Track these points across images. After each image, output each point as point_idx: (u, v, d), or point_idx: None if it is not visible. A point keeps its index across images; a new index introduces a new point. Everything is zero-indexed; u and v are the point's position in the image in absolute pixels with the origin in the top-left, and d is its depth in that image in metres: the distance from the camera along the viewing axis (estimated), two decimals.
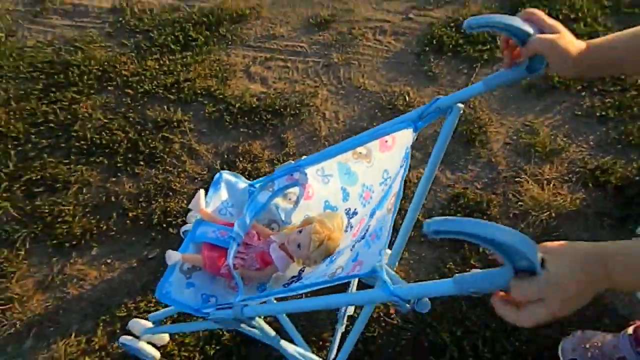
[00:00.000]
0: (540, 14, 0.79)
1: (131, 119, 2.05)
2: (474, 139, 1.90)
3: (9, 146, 1.98)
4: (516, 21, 0.77)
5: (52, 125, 2.04)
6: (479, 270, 0.62)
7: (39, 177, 1.88)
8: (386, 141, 1.14)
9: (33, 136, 2.01)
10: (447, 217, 0.62)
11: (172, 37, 2.36)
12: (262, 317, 1.07)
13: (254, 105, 2.06)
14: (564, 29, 0.77)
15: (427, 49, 2.24)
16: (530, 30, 0.77)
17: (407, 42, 2.30)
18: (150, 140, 1.96)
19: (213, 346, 1.48)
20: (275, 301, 1.16)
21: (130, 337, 1.42)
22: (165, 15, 2.51)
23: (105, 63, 2.26)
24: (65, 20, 2.54)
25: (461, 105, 0.96)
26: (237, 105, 2.06)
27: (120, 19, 2.50)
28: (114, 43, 2.40)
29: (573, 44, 0.76)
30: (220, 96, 2.11)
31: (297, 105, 2.05)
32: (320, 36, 2.35)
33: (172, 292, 1.11)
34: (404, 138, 1.09)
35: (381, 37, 2.33)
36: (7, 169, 1.91)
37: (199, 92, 2.12)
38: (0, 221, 1.78)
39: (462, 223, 0.56)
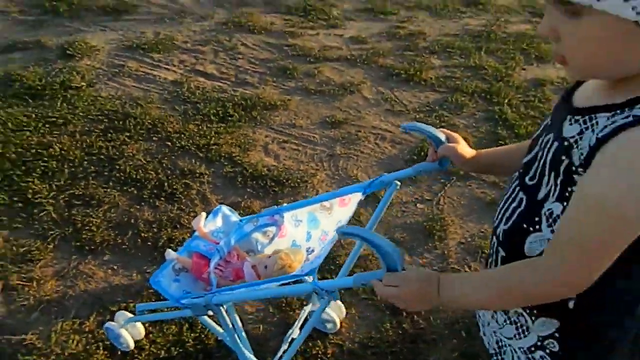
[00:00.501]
0: (449, 132, 1.19)
1: (164, 164, 2.54)
2: (434, 234, 2.26)
3: (64, 166, 2.48)
4: (435, 131, 1.17)
5: (102, 157, 2.55)
6: (366, 272, 0.98)
7: (80, 193, 2.34)
8: (344, 200, 1.54)
9: (85, 162, 2.51)
10: (356, 226, 0.98)
11: (214, 110, 2.92)
12: (224, 306, 1.40)
13: (263, 174, 2.51)
14: (462, 140, 1.17)
15: (415, 157, 2.69)
16: (442, 138, 1.17)
17: (400, 150, 2.76)
18: (174, 183, 2.42)
19: (178, 348, 1.79)
20: None
21: (114, 323, 1.76)
22: (213, 94, 3.09)
23: (157, 119, 2.81)
24: (135, 83, 3.17)
25: (398, 183, 1.36)
26: (250, 171, 2.52)
27: (178, 89, 3.11)
28: (168, 106, 2.97)
29: (467, 151, 1.14)
30: (239, 161, 2.58)
31: (298, 180, 2.50)
32: (331, 132, 2.85)
33: (162, 282, 1.47)
34: (356, 198, 1.49)
35: (380, 142, 2.81)
36: (58, 183, 2.39)
37: (223, 155, 2.61)
38: (42, 220, 2.22)
39: (361, 230, 0.94)
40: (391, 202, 1.48)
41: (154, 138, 2.70)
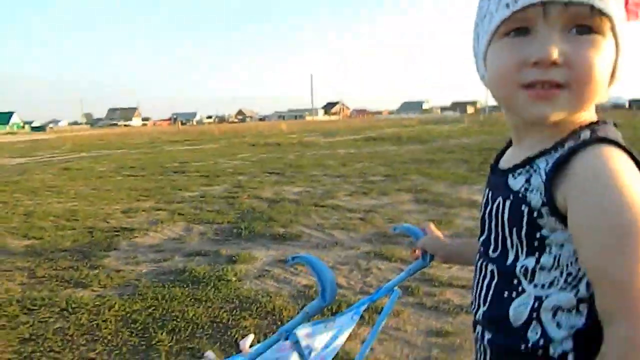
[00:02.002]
0: (431, 225, 1.31)
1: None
2: None
3: (188, 326, 2.88)
4: (416, 229, 1.32)
5: (220, 325, 2.90)
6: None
7: (192, 346, 2.65)
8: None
9: (206, 326, 2.88)
10: (301, 254, 1.14)
11: (329, 308, 3.15)
12: None
13: None
14: (436, 232, 1.27)
15: None
16: (420, 233, 1.31)
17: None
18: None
19: None
20: None
21: None
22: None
23: (277, 306, 3.15)
24: (274, 283, 3.65)
25: (398, 290, 1.43)
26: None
27: (306, 290, 3.47)
28: (291, 299, 3.32)
29: (442, 243, 1.24)
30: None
31: None
32: (433, 339, 2.78)
33: None
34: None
35: None
36: (178, 337, 2.76)
37: None
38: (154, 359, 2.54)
39: (304, 257, 1.11)
40: None
41: (268, 318, 2.99)
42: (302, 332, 1.30)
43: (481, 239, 0.92)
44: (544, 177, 0.75)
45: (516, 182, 0.81)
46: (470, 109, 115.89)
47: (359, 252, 4.45)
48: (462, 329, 2.90)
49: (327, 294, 1.04)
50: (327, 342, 1.48)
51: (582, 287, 0.76)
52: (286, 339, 1.21)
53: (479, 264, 0.93)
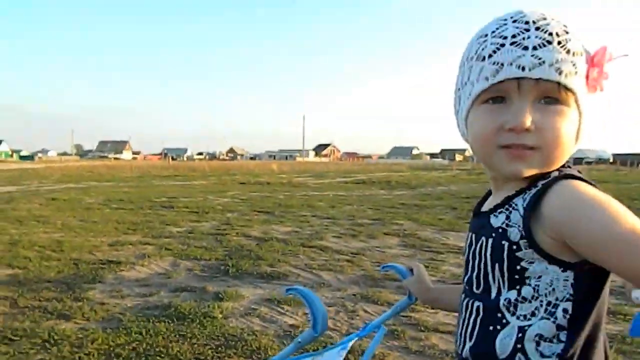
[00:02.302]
0: (420, 267, 1.37)
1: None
2: None
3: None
4: (402, 268, 1.37)
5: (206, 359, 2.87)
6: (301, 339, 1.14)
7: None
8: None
9: None
10: (295, 286, 1.18)
11: (313, 347, 3.13)
12: None
13: None
14: (423, 274, 1.33)
15: None
16: (407, 273, 1.36)
17: None
18: None
19: None
20: None
21: None
22: (320, 338, 3.35)
23: (263, 345, 3.13)
24: (260, 321, 3.63)
25: (385, 327, 1.46)
26: None
27: (292, 330, 3.46)
28: (277, 339, 3.30)
29: (426, 286, 1.30)
30: None
31: None
32: None
33: None
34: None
35: None
36: None
37: None
38: None
39: (297, 289, 1.16)
40: None
41: (254, 357, 2.98)
42: None
43: (466, 278, 0.97)
44: (521, 212, 0.83)
45: (497, 220, 0.88)
46: (458, 157, 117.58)
47: (346, 294, 4.45)
48: None
49: (318, 325, 1.09)
50: None
51: (559, 314, 0.82)
52: None
53: (464, 303, 0.97)
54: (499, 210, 0.89)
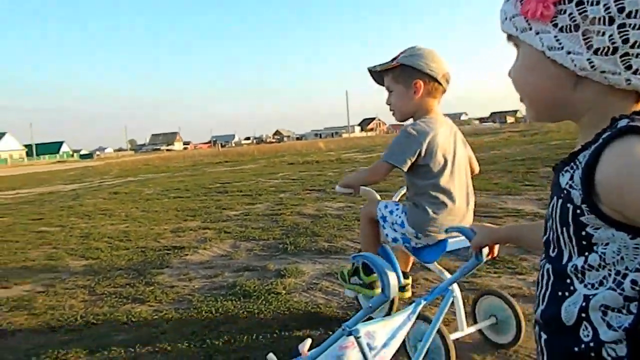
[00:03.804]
0: (485, 224, 1.35)
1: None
2: None
3: (240, 334, 2.97)
4: (468, 231, 1.36)
5: (275, 334, 2.97)
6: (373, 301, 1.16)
7: (240, 357, 2.74)
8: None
9: (261, 336, 2.96)
10: (362, 253, 1.21)
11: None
12: None
13: None
14: (487, 225, 1.32)
15: None
16: (472, 234, 1.35)
17: None
18: None
19: None
20: None
21: None
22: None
23: (327, 316, 3.20)
24: (322, 295, 3.71)
25: (451, 289, 1.47)
26: None
27: (355, 302, 3.52)
28: (341, 311, 3.36)
29: (491, 227, 1.29)
30: None
31: None
32: None
33: None
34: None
35: None
36: (232, 346, 2.85)
37: None
38: None
39: (365, 255, 1.18)
40: None
41: (320, 329, 3.05)
42: (362, 330, 1.36)
43: (544, 239, 0.93)
44: (581, 172, 0.76)
45: (564, 179, 0.82)
46: (510, 119, 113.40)
47: None
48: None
49: (387, 289, 1.11)
50: (386, 341, 1.53)
51: (627, 286, 0.76)
52: (349, 334, 1.27)
53: (541, 264, 0.94)
54: (565, 168, 0.83)
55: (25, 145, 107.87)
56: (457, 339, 2.49)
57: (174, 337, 3.09)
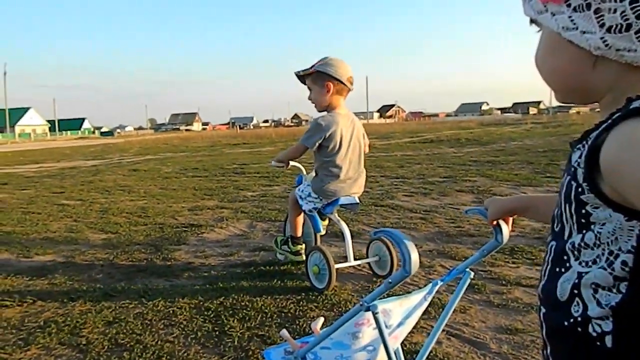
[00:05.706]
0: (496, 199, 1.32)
1: None
2: None
3: (259, 314, 2.98)
4: (486, 212, 1.33)
5: (289, 314, 2.98)
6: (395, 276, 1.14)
7: (262, 333, 2.75)
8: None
9: (275, 315, 2.97)
10: (383, 228, 1.19)
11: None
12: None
13: None
14: (498, 200, 1.27)
15: None
16: (487, 212, 1.31)
17: None
18: None
19: None
20: None
21: None
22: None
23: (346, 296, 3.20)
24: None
25: (470, 271, 1.44)
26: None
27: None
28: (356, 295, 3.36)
29: (502, 199, 1.25)
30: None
31: None
32: (503, 336, 2.74)
33: (272, 354, 1.71)
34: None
35: None
36: (249, 324, 2.87)
37: None
38: (227, 344, 2.66)
39: (386, 231, 1.16)
40: None
41: (334, 310, 3.06)
42: (379, 307, 1.34)
43: (552, 215, 0.93)
44: (586, 151, 0.76)
45: (574, 156, 0.81)
46: (532, 110, 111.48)
47: (421, 250, 4.43)
48: (533, 327, 2.83)
49: (407, 265, 1.08)
50: (402, 320, 1.51)
51: (617, 266, 0.75)
52: (367, 309, 1.25)
53: (547, 240, 0.94)
54: (577, 146, 0.81)
55: (48, 121, 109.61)
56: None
57: (190, 312, 3.12)
